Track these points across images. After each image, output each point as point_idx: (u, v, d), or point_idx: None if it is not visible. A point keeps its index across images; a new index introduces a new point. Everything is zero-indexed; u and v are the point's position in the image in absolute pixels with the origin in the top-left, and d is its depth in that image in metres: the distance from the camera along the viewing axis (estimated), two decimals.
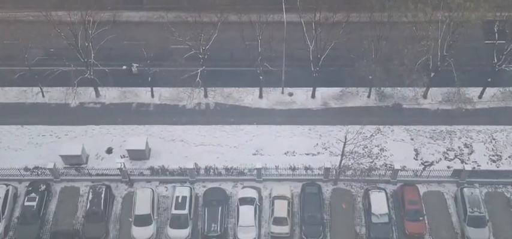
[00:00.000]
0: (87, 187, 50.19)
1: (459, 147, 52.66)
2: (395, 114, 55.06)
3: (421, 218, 47.74)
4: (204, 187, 50.53)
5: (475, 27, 51.85)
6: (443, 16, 50.69)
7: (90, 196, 48.73)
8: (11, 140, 53.49)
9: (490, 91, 55.78)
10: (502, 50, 52.34)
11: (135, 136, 53.04)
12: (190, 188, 49.35)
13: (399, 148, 52.47)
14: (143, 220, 47.65)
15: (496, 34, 52.21)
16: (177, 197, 48.18)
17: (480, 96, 55.76)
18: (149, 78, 54.75)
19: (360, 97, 56.28)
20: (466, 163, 50.75)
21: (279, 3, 50.49)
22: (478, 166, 51.19)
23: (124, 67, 54.39)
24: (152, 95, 56.54)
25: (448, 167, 50.84)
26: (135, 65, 55.20)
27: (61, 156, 50.86)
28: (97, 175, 50.68)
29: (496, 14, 51.07)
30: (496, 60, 52.93)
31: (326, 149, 52.39)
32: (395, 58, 52.05)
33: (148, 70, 54.17)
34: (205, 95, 56.38)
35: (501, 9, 50.61)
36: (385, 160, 51.71)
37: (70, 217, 49.08)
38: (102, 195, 48.67)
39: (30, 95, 56.72)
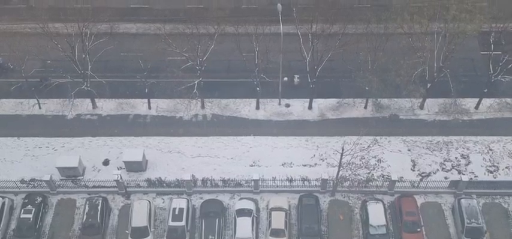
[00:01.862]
0: (84, 199, 50.02)
1: (456, 158, 52.71)
2: (392, 125, 55.12)
3: (418, 230, 47.67)
4: (201, 198, 50.40)
5: (470, 38, 52.15)
6: (439, 27, 50.95)
7: (87, 208, 48.56)
8: (7, 152, 53.31)
9: (486, 102, 55.93)
10: (497, 61, 52.56)
11: (132, 147, 52.95)
12: (187, 200, 49.22)
13: (396, 158, 52.49)
14: (140, 232, 47.46)
15: (492, 45, 52.42)
16: (174, 209, 48.03)
17: (476, 107, 55.91)
18: (146, 90, 54.75)
19: (357, 108, 56.35)
20: (463, 174, 50.80)
21: (276, 15, 50.65)
22: (475, 176, 51.23)
23: (285, 79, 53.74)
24: (149, 107, 56.52)
25: (446, 178, 50.86)
26: (296, 76, 54.07)
27: (57, 168, 50.70)
28: (94, 187, 50.53)
29: (492, 25, 51.36)
30: (492, 71, 53.13)
31: (323, 161, 52.36)
32: (391, 69, 52.23)
33: (145, 82, 54.17)
34: (202, 107, 56.39)
35: (496, 20, 50.87)
36: (382, 171, 51.69)
37: (66, 230, 48.87)
38: (99, 207, 48.49)
39: (27, 107, 56.65)
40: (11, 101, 57.00)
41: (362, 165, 50.20)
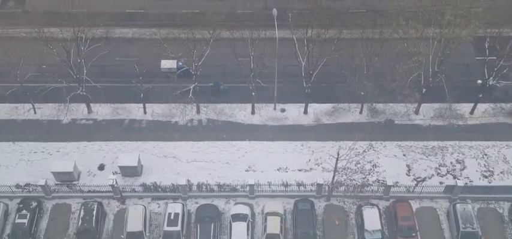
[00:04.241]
0: (79, 204, 49.89)
1: (451, 163, 52.78)
2: (387, 130, 55.18)
3: (414, 234, 47.71)
4: (197, 203, 50.36)
5: (465, 43, 52.27)
6: (434, 33, 51.04)
7: (82, 213, 48.46)
8: (2, 157, 53.15)
9: (481, 107, 56.04)
10: (492, 66, 52.68)
11: (127, 152, 52.86)
12: (183, 204, 49.15)
13: (391, 163, 52.54)
14: (135, 237, 47.34)
15: (487, 50, 52.57)
16: (170, 214, 47.95)
17: (471, 112, 56.01)
18: (142, 95, 54.70)
19: (352, 113, 56.40)
20: (458, 179, 50.83)
21: (271, 20, 50.70)
22: (470, 181, 51.29)
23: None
24: (144, 112, 56.45)
25: (441, 182, 50.90)
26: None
27: (53, 173, 50.59)
28: (89, 191, 50.41)
29: (487, 30, 51.47)
30: (487, 76, 53.25)
31: (318, 165, 52.37)
32: (387, 74, 52.32)
33: (140, 86, 54.12)
34: (198, 112, 56.36)
35: (491, 25, 50.98)
36: (377, 175, 51.72)
37: (61, 234, 48.75)
38: (94, 212, 48.41)
39: (22, 111, 56.51)
40: (6, 106, 56.83)
41: (357, 170, 50.18)
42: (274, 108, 56.82)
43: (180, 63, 56.46)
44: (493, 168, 52.32)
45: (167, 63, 56.53)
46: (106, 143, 54.17)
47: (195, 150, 53.57)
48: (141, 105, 56.21)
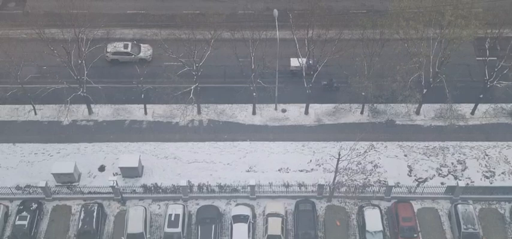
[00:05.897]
0: (79, 205, 49.84)
1: (452, 163, 52.74)
2: (388, 131, 55.15)
3: (415, 235, 47.64)
4: (197, 204, 50.30)
5: (466, 44, 52.25)
6: (434, 33, 51.05)
7: (82, 215, 48.39)
8: (2, 159, 53.09)
9: (482, 107, 56.02)
10: (493, 66, 52.66)
11: (128, 153, 52.81)
12: (183, 206, 49.09)
13: (393, 164, 52.50)
14: None
15: (487, 51, 52.54)
16: (170, 215, 47.89)
17: (472, 113, 55.98)
18: (142, 96, 54.65)
19: (353, 113, 56.37)
20: (459, 179, 50.79)
21: (272, 21, 50.70)
22: (471, 182, 51.27)
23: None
24: (145, 112, 56.40)
25: (442, 183, 50.84)
26: None
27: (53, 174, 50.50)
28: (89, 193, 50.35)
29: (487, 30, 51.46)
30: (487, 77, 53.23)
31: (320, 166, 52.33)
32: (387, 75, 52.31)
33: (141, 87, 54.08)
34: (199, 112, 56.32)
35: (492, 26, 51.01)
36: (378, 176, 51.68)
37: (62, 236, 48.69)
38: (94, 213, 48.35)
39: (23, 113, 56.45)
40: (6, 107, 56.76)
41: (358, 170, 50.13)
42: (275, 109, 56.77)
43: (310, 62, 55.95)
44: (494, 169, 52.27)
45: (296, 61, 55.69)
46: (106, 144, 54.11)
47: (196, 151, 53.51)
48: (142, 106, 56.16)
